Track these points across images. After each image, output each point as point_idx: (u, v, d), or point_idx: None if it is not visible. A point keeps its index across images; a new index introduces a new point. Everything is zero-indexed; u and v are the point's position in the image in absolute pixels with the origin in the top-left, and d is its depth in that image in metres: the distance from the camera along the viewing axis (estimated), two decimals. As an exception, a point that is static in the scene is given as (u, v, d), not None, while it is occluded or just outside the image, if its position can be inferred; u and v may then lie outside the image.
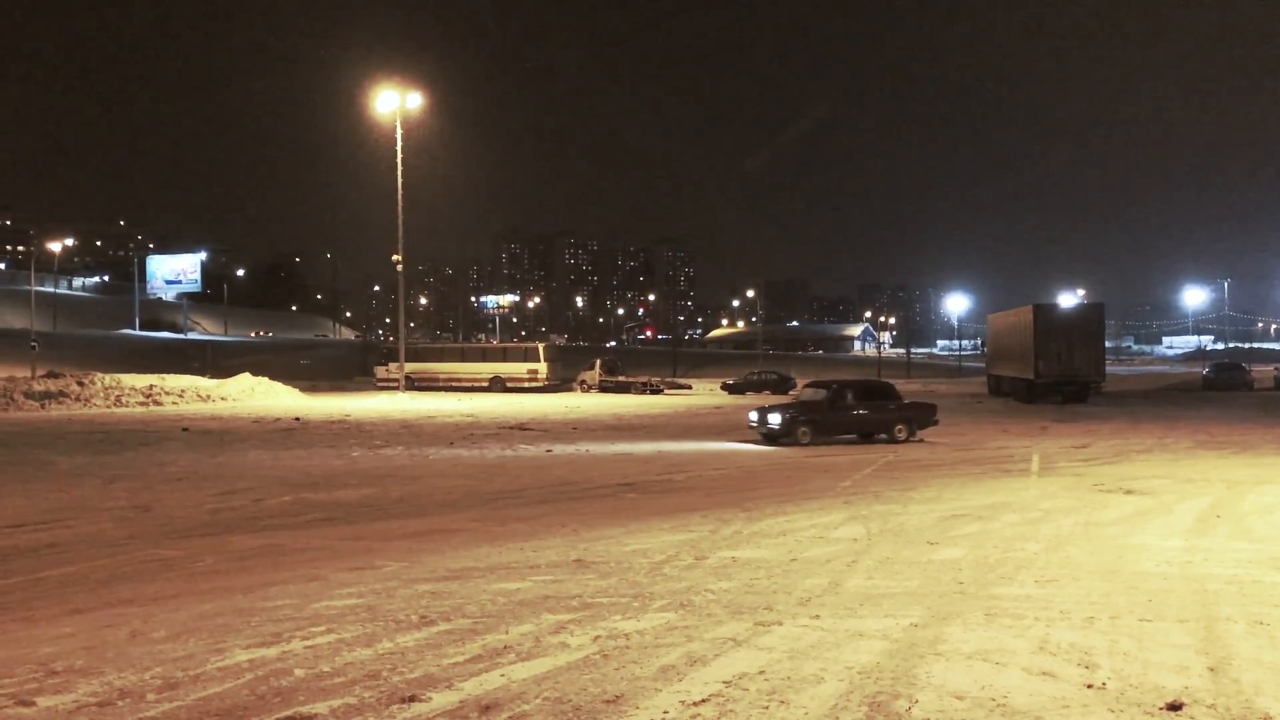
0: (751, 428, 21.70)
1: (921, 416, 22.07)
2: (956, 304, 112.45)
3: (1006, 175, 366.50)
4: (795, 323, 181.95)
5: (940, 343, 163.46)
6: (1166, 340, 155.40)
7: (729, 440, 21.91)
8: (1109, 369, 39.65)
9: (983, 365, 57.71)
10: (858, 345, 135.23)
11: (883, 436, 21.29)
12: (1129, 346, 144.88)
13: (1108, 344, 44.68)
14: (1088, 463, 16.45)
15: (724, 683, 4.92)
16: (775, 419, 21.10)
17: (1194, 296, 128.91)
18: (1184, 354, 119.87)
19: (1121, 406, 34.25)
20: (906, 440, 21.16)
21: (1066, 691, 4.79)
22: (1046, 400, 35.62)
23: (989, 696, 4.71)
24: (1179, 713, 4.54)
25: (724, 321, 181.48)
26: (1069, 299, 69.76)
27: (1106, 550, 8.50)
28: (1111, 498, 11.98)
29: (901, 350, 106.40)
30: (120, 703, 4.72)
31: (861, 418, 21.49)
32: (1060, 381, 35.65)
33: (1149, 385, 52.35)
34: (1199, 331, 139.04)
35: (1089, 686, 4.86)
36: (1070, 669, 5.12)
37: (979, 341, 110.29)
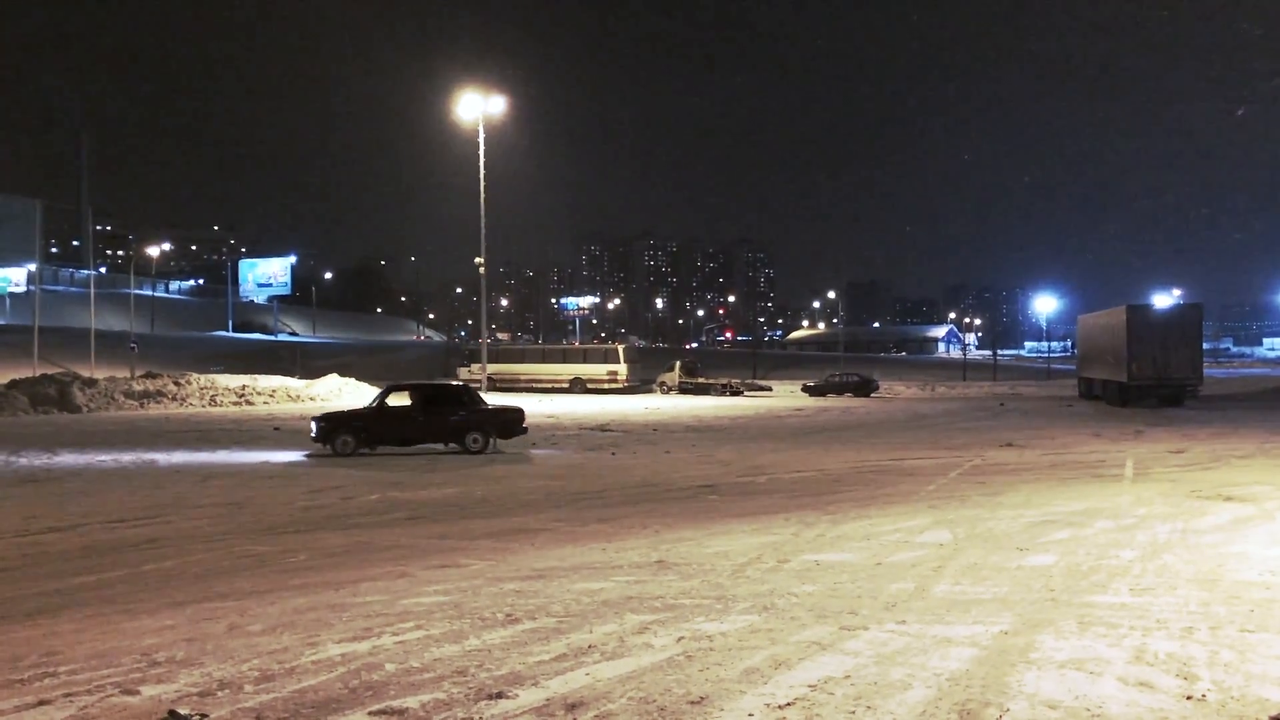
0: (311, 437, 20.00)
1: (503, 424, 20.27)
2: (1045, 305, 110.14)
3: (1097, 172, 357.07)
4: (877, 324, 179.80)
5: (1028, 344, 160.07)
6: (1267, 342, 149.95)
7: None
8: (1206, 371, 38.40)
9: (1072, 368, 56.32)
10: (942, 347, 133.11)
11: (467, 445, 19.66)
12: (1227, 348, 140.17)
13: (1205, 345, 43.22)
14: (1184, 468, 15.94)
15: (809, 686, 4.88)
16: (314, 426, 19.65)
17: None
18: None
19: (1220, 410, 33.11)
20: (483, 450, 19.55)
21: (1164, 703, 4.65)
22: (1140, 404, 34.63)
23: (1083, 707, 4.59)
24: (1284, 727, 4.38)
25: (804, 323, 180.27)
26: (1164, 299, 67.75)
27: (1205, 558, 8.22)
28: (1210, 504, 11.58)
29: (987, 352, 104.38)
30: (220, 693, 4.86)
31: (420, 424, 19.76)
32: (1155, 384, 34.61)
33: (1249, 388, 50.56)
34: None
35: (1188, 698, 4.71)
36: (1168, 680, 4.97)
37: (1069, 343, 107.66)
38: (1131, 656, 5.35)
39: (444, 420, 19.97)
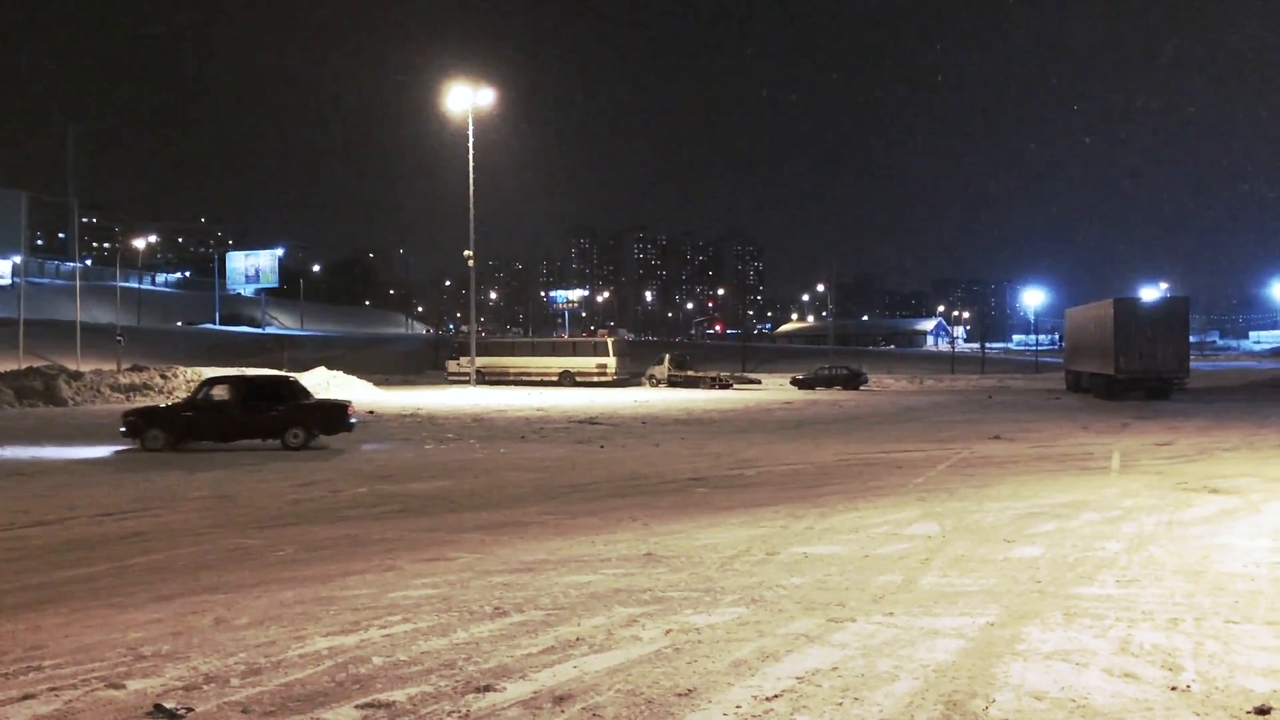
0: (121, 432, 19.15)
1: (326, 419, 19.50)
2: (1033, 298, 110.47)
3: (1085, 166, 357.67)
4: (866, 317, 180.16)
5: (1016, 338, 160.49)
6: (1253, 335, 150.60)
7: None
8: (1193, 364, 38.61)
9: (1060, 361, 56.54)
10: (931, 340, 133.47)
11: (291, 442, 18.86)
12: (1214, 341, 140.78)
13: (1192, 339, 43.42)
14: (1171, 460, 16.03)
15: (797, 678, 4.89)
16: (123, 421, 18.92)
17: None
18: (1271, 349, 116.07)
19: (1206, 403, 33.30)
20: (303, 446, 18.77)
21: (1149, 693, 4.68)
22: (1127, 397, 34.78)
23: (1069, 698, 4.61)
24: (1267, 717, 4.40)
25: (794, 316, 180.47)
26: (1151, 293, 68.07)
27: (1190, 550, 8.27)
28: (1196, 496, 11.65)
29: (976, 345, 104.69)
30: (206, 687, 4.85)
31: (238, 419, 18.92)
32: (1142, 377, 34.78)
33: (1235, 381, 50.83)
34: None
35: (1173, 689, 4.74)
36: (1153, 671, 5.00)
37: (1057, 336, 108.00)
38: (1117, 648, 5.37)
39: (263, 415, 19.12)
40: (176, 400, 19.95)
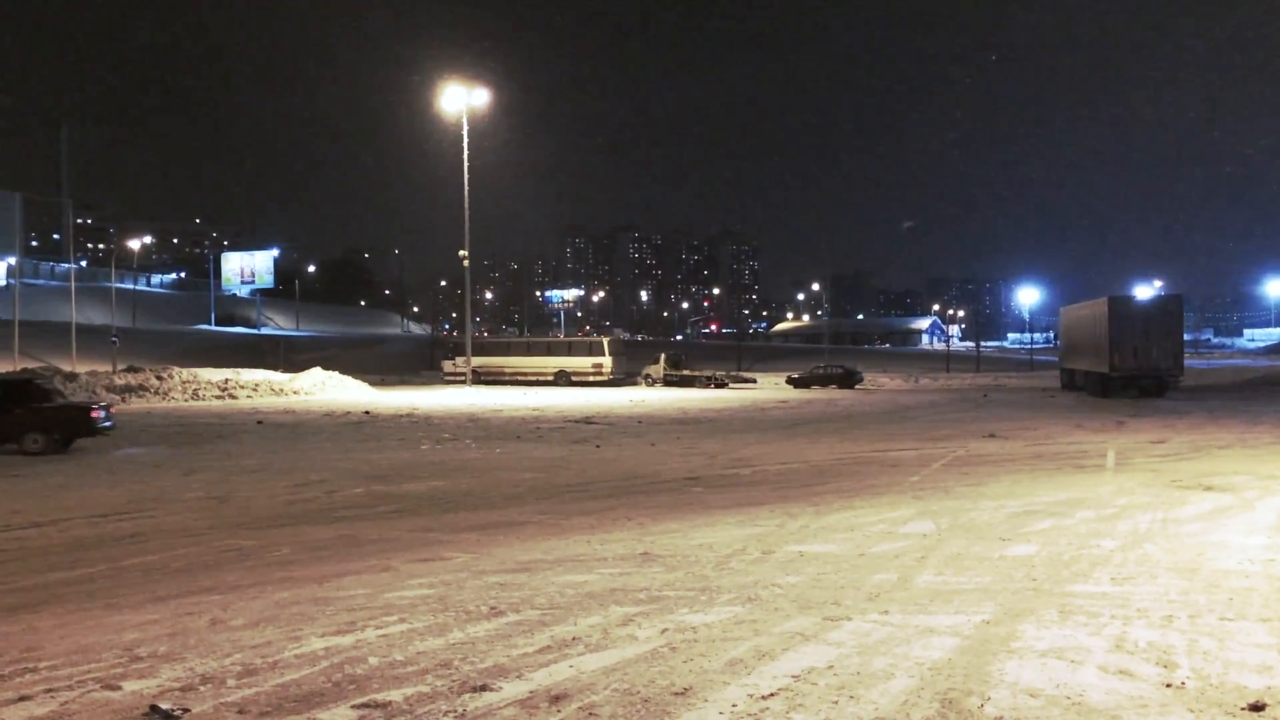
0: None
1: (69, 424, 18.53)
2: (1027, 296, 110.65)
3: (1079, 164, 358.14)
4: (861, 316, 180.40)
5: (1011, 336, 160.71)
6: (1248, 333, 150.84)
7: None
8: (1187, 362, 38.66)
9: (1055, 359, 56.61)
10: (925, 339, 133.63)
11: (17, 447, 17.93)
12: (1208, 339, 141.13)
13: (1186, 336, 43.48)
14: (1165, 458, 16.06)
15: (792, 677, 4.90)
16: None
17: (1277, 288, 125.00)
18: (1266, 347, 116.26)
19: (1200, 401, 33.35)
20: (44, 452, 17.80)
21: (1144, 690, 4.69)
22: (1122, 395, 34.83)
23: (1064, 695, 4.63)
24: (1261, 713, 4.42)
25: (789, 315, 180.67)
26: (1145, 291, 68.18)
27: (1185, 548, 8.29)
28: (1190, 494, 11.68)
29: (971, 344, 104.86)
30: (202, 688, 4.85)
31: None
32: (1136, 375, 34.83)
33: (1229, 379, 50.93)
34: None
35: (1168, 686, 4.75)
36: (1148, 668, 5.01)
37: (1051, 335, 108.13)
38: (1112, 645, 5.39)
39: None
40: None
